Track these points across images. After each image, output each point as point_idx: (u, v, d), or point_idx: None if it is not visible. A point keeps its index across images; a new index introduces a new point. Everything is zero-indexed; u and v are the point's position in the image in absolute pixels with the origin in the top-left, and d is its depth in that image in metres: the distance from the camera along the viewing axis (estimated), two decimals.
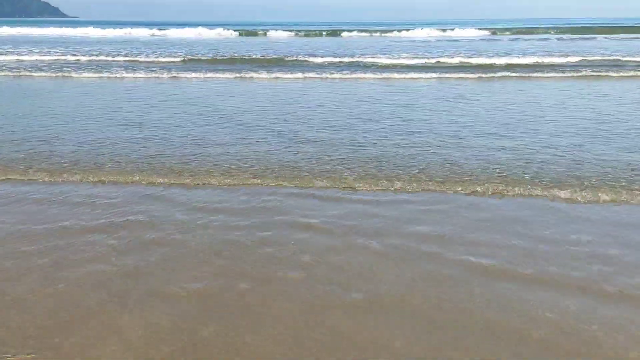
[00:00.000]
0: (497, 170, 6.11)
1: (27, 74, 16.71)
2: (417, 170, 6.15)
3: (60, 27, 52.32)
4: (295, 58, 20.17)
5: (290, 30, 45.27)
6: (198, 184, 5.80)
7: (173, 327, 3.24)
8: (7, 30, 46.01)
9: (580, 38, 33.32)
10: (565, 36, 35.68)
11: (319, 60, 19.58)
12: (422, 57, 20.10)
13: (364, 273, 3.87)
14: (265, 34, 43.01)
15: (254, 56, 21.16)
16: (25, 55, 21.56)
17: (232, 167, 6.42)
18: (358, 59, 19.74)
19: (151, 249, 4.27)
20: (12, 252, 4.21)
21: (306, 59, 19.94)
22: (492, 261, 4.01)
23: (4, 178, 6.11)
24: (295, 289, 3.67)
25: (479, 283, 3.71)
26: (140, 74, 16.62)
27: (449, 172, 6.06)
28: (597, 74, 15.77)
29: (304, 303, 3.49)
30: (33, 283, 3.74)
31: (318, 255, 4.14)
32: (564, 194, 5.35)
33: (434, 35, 41.54)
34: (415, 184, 5.69)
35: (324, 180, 5.86)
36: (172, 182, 5.88)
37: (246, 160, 6.63)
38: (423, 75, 16.07)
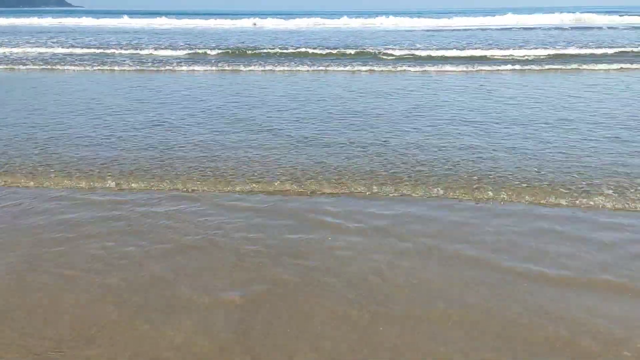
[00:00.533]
0: (540, 173, 5.65)
1: (36, 67, 16.24)
2: (450, 172, 5.82)
3: (66, 17, 52.13)
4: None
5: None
6: (230, 190, 5.34)
7: (205, 343, 2.95)
8: (12, 21, 45.71)
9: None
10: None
11: (352, 51, 18.77)
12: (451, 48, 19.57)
13: (413, 282, 3.57)
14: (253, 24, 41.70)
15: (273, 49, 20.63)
16: (34, 47, 21.04)
17: (254, 168, 6.08)
18: (370, 50, 19.24)
19: (177, 255, 3.97)
20: (33, 261, 3.92)
21: (314, 51, 19.41)
22: (558, 271, 3.69)
23: (16, 184, 5.79)
24: (339, 299, 3.37)
25: (549, 296, 3.40)
26: (149, 67, 16.29)
27: (491, 177, 5.59)
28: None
29: (350, 315, 3.20)
30: (56, 292, 3.47)
31: (361, 262, 3.84)
32: (612, 203, 4.90)
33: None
34: (453, 190, 5.26)
35: (359, 184, 5.45)
36: (196, 187, 5.50)
37: (270, 162, 6.26)
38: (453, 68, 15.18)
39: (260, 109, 9.30)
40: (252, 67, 15.52)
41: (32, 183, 5.60)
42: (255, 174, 5.76)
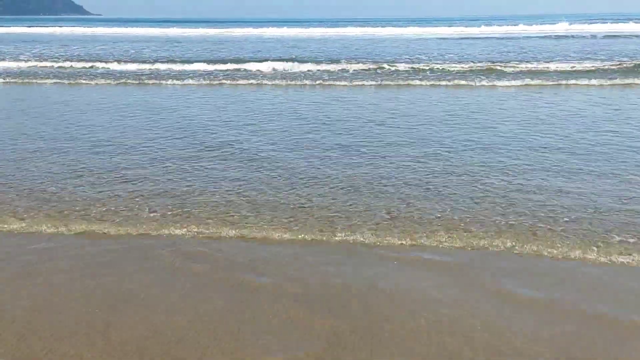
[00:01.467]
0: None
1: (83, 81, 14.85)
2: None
3: (88, 26, 52.05)
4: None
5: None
6: (278, 237, 4.37)
7: None
8: (29, 30, 45.83)
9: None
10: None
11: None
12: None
13: (496, 340, 2.96)
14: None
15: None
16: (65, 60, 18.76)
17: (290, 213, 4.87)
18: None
19: (213, 307, 3.33)
20: (59, 301, 3.41)
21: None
22: None
23: (63, 230, 4.82)
24: (406, 354, 2.79)
25: None
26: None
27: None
28: None
29: None
30: (101, 342, 2.94)
31: (431, 311, 3.25)
32: None
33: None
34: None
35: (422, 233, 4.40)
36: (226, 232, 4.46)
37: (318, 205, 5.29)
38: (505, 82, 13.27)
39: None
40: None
41: (51, 229, 4.55)
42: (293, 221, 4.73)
